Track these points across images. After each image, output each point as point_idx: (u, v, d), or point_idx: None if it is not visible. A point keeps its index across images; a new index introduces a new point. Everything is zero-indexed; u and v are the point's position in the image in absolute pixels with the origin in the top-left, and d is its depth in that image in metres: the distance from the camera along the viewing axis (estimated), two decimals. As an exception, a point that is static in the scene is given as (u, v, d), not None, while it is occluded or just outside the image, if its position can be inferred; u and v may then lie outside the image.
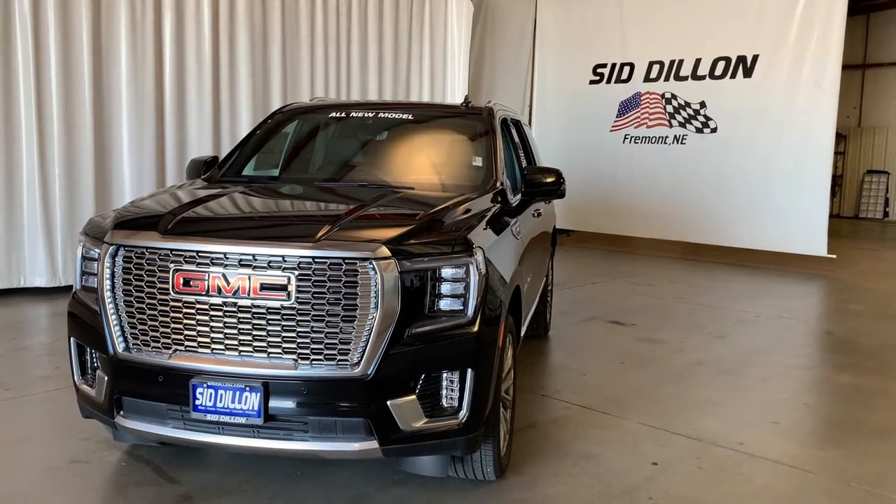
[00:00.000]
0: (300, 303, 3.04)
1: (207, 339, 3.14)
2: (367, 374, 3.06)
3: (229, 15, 8.98)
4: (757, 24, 10.76)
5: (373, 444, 3.13)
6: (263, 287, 3.05)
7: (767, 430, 4.63)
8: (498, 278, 3.52)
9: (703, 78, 11.34)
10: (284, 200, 3.93)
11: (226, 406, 3.09)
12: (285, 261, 3.05)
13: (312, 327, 3.05)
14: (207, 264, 3.10)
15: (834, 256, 10.53)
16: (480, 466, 3.57)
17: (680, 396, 5.19)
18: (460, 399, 3.25)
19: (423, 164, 4.67)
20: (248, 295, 3.06)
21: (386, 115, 4.81)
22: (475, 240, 3.32)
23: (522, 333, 4.56)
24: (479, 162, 4.44)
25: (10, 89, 7.44)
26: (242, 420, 3.09)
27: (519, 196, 4.50)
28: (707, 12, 11.28)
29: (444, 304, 3.21)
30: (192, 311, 3.13)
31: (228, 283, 3.07)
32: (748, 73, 10.87)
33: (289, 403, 3.09)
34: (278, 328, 3.07)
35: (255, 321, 3.08)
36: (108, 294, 3.25)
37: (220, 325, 3.11)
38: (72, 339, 3.56)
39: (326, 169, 4.74)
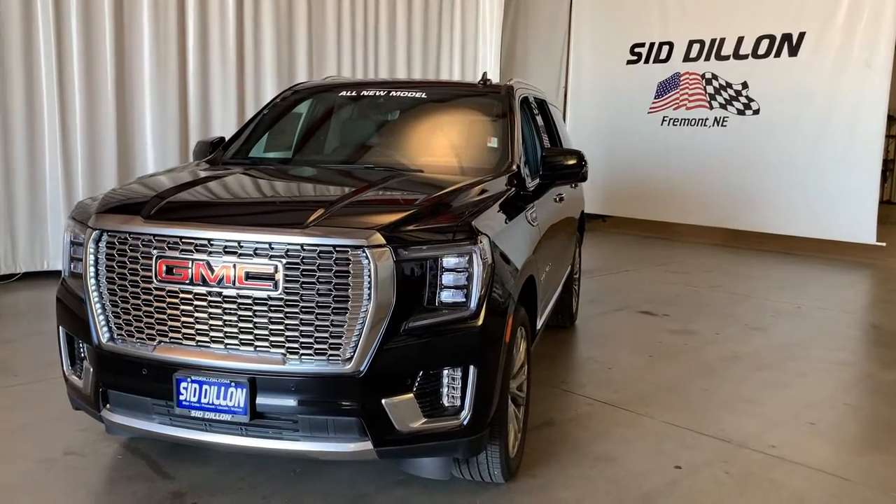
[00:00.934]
0: (288, 293, 2.83)
1: (192, 331, 2.95)
2: (360, 371, 2.84)
3: (254, -9, 8.82)
4: (803, -1, 10.26)
5: (367, 446, 2.92)
6: (249, 276, 2.85)
7: (803, 431, 4.32)
8: (507, 268, 3.27)
9: (745, 57, 10.85)
10: (281, 184, 3.72)
11: (210, 402, 2.91)
12: (272, 248, 2.84)
13: (301, 320, 2.84)
14: (191, 251, 2.90)
15: (884, 244, 10.02)
16: (487, 468, 3.34)
17: (711, 393, 4.89)
18: (462, 398, 3.02)
19: (435, 145, 4.42)
20: (234, 284, 2.86)
21: (398, 93, 4.57)
22: (480, 226, 3.08)
23: (540, 326, 4.30)
24: (494, 143, 4.18)
25: (31, 67, 7.33)
26: (228, 417, 2.90)
27: (537, 180, 4.23)
28: (751, -12, 10.80)
29: (446, 296, 2.97)
30: (176, 300, 2.95)
31: (212, 271, 2.87)
32: (794, 51, 10.36)
33: (277, 401, 2.89)
34: (265, 320, 2.87)
35: (241, 312, 2.88)
36: (91, 281, 3.09)
37: (205, 316, 2.92)
38: (60, 327, 3.41)
39: (333, 150, 4.52)
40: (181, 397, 2.93)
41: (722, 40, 11.09)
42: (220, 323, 2.91)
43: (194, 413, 2.93)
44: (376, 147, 4.45)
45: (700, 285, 8.43)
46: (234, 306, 2.88)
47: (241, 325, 2.89)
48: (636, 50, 12.14)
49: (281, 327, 2.86)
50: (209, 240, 2.88)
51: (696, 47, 11.39)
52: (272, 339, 2.87)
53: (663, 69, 11.78)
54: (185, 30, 8.33)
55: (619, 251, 10.97)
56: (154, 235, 2.96)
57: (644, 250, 11.01)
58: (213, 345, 2.93)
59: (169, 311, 2.96)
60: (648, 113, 11.97)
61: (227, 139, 4.60)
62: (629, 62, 12.24)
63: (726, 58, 11.05)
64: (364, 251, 2.80)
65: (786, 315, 7.14)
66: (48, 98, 7.44)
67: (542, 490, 3.50)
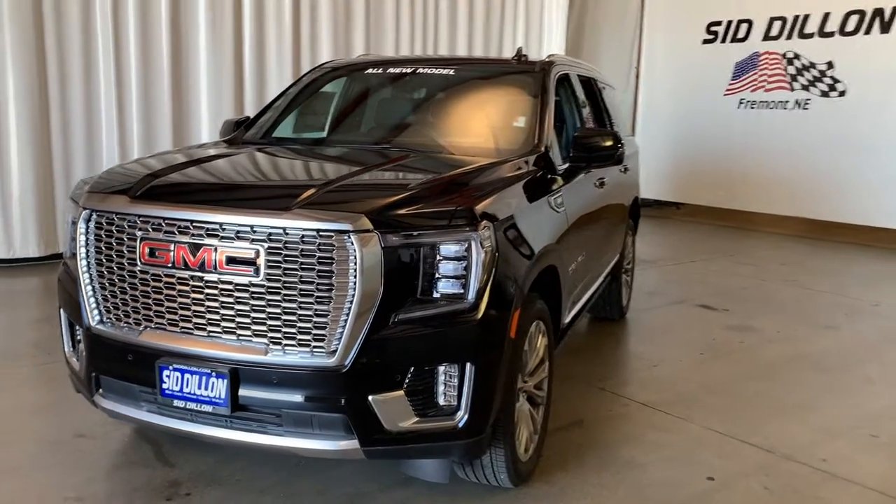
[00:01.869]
0: (270, 280, 2.65)
1: (175, 317, 2.82)
2: (345, 365, 2.64)
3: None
4: (899, -30, 9.45)
5: (353, 444, 2.72)
6: (230, 260, 2.68)
7: (862, 444, 3.90)
8: (518, 257, 3.02)
9: (831, 35, 10.09)
10: (283, 165, 3.53)
11: (192, 392, 2.77)
12: (254, 231, 2.66)
13: (284, 308, 2.66)
14: (173, 233, 2.76)
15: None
16: (493, 472, 3.11)
17: (762, 396, 4.49)
18: (458, 398, 2.78)
19: (458, 124, 4.17)
20: (215, 269, 2.70)
21: (426, 71, 4.33)
22: (484, 211, 2.83)
23: (568, 320, 4.01)
24: (521, 123, 3.90)
25: (89, 39, 7.40)
26: (209, 409, 2.76)
27: (568, 163, 3.92)
28: (839, -41, 10.03)
29: (441, 287, 2.74)
30: (160, 285, 2.81)
31: (194, 255, 2.72)
32: (886, 27, 9.56)
33: (260, 393, 2.72)
34: (247, 308, 2.70)
35: (222, 299, 2.72)
36: (83, 262, 2.99)
37: (188, 302, 2.78)
38: (61, 309, 3.35)
39: (352, 130, 4.33)
40: (164, 385, 2.81)
41: (806, 17, 10.36)
42: (202, 309, 2.76)
43: (176, 403, 2.80)
44: (398, 127, 4.23)
45: (770, 278, 7.90)
46: (216, 292, 2.73)
47: (223, 312, 2.73)
48: (712, 28, 11.49)
49: (263, 316, 2.69)
50: (191, 221, 2.73)
51: (776, 25, 10.69)
52: (254, 328, 2.71)
53: (741, 49, 11.11)
54: (241, 7, 8.28)
55: (690, 240, 10.44)
56: (139, 216, 2.83)
57: (716, 240, 10.45)
58: (196, 332, 2.79)
59: (153, 296, 2.84)
60: (724, 95, 11.33)
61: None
62: (705, 41, 11.61)
63: (810, 36, 10.32)
64: (349, 236, 2.60)
65: (861, 313, 6.58)
66: (105, 72, 7.47)
67: (554, 498, 3.24)
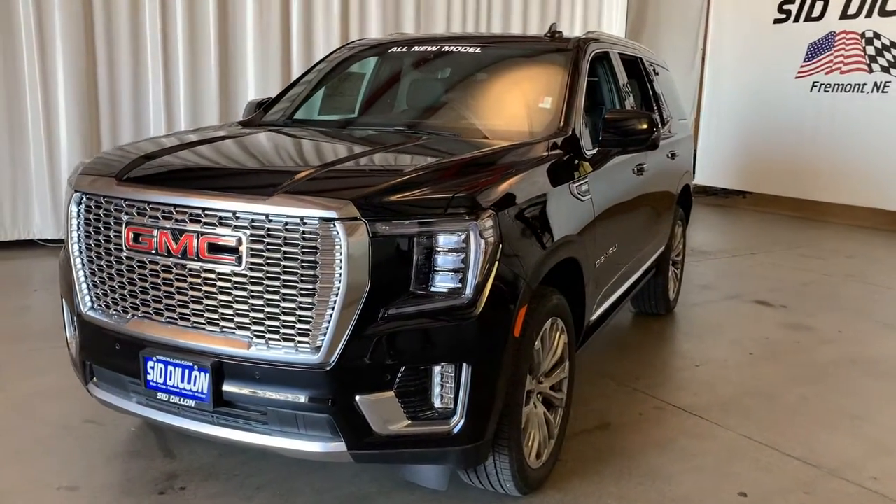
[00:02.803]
0: (253, 270, 2.49)
1: (161, 307, 2.68)
2: (330, 362, 2.46)
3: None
4: None
5: (340, 447, 2.55)
6: (212, 248, 2.53)
7: (920, 461, 3.53)
8: (528, 249, 2.79)
9: (915, 12, 9.40)
10: (284, 147, 3.34)
11: (175, 385, 2.64)
12: (236, 218, 2.50)
13: (267, 301, 2.49)
14: (157, 218, 2.62)
15: None
16: (497, 479, 2.89)
17: (810, 403, 4.14)
18: (455, 400, 2.58)
19: (479, 105, 3.92)
20: (197, 257, 2.55)
21: (451, 49, 4.09)
22: (487, 199, 2.60)
23: (595, 317, 3.74)
24: (547, 104, 3.63)
25: (136, 20, 7.40)
26: (192, 403, 2.63)
27: (598, 147, 3.64)
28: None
29: (436, 280, 2.52)
30: (145, 272, 2.68)
31: (176, 241, 2.58)
32: (976, 4, 8.85)
33: (243, 389, 2.57)
34: (230, 299, 2.55)
35: (205, 289, 2.58)
36: (74, 247, 2.89)
37: (172, 291, 2.64)
38: (62, 294, 3.27)
39: (370, 112, 4.14)
40: (148, 377, 2.69)
41: (888, -8, 9.68)
42: (186, 299, 2.62)
43: (160, 395, 2.68)
44: (416, 108, 4.02)
45: (836, 273, 7.40)
46: (199, 281, 2.58)
47: (206, 303, 2.59)
48: (785, 7, 10.85)
49: (246, 308, 2.53)
50: (174, 206, 2.59)
51: (854, 2, 10.00)
52: (238, 320, 2.55)
53: (815, 28, 10.46)
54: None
55: (753, 231, 9.93)
56: (124, 200, 2.70)
57: (782, 231, 9.90)
58: (180, 323, 2.66)
59: (139, 283, 2.71)
60: (796, 78, 10.71)
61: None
62: (776, 21, 10.98)
63: (891, 13, 9.62)
64: (334, 224, 2.41)
65: (934, 313, 6.08)
66: (152, 53, 7.48)
67: (565, 509, 3.01)
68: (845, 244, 9.01)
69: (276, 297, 2.48)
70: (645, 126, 3.57)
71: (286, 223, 2.44)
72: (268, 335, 2.52)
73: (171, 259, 2.60)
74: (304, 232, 2.43)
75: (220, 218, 2.51)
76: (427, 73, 4.23)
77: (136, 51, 7.44)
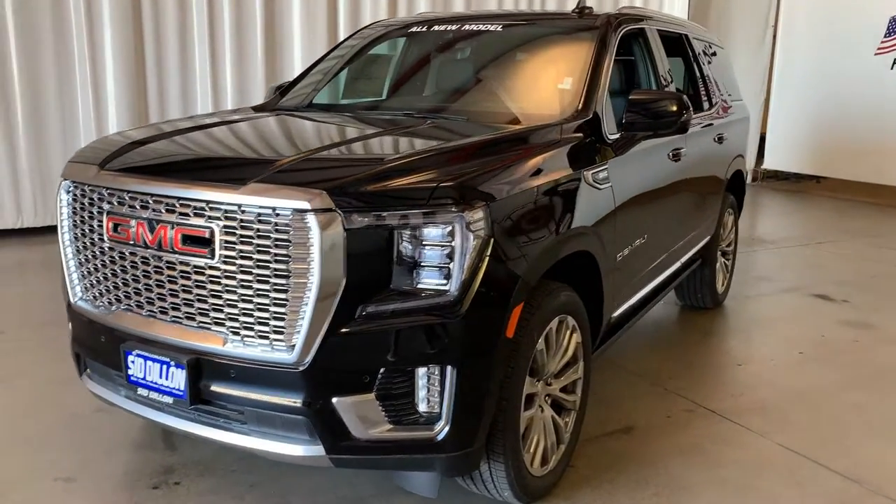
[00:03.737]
0: (226, 263, 2.36)
1: (141, 299, 2.60)
2: (305, 362, 2.32)
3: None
4: None
5: (319, 451, 2.41)
6: (186, 239, 2.42)
7: (979, 480, 3.18)
8: (528, 243, 2.58)
9: None
10: (279, 134, 3.17)
11: (154, 380, 2.55)
12: (210, 208, 2.38)
13: (241, 296, 2.37)
14: (135, 207, 2.52)
15: None
16: (494, 487, 2.71)
17: (861, 411, 3.80)
18: (440, 404, 2.40)
19: (493, 87, 3.69)
20: (172, 249, 2.45)
21: (471, 28, 3.87)
22: (477, 189, 2.41)
23: (617, 314, 3.50)
24: (567, 84, 3.39)
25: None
26: (169, 400, 2.53)
27: (621, 131, 3.38)
28: None
29: (419, 277, 2.35)
30: (125, 263, 2.60)
31: (152, 231, 2.47)
32: None
33: (220, 387, 2.46)
34: (205, 293, 2.43)
35: (182, 282, 2.47)
36: (63, 235, 2.84)
37: (151, 283, 2.54)
38: (63, 281, 3.23)
39: (381, 93, 3.96)
40: (129, 371, 2.61)
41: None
42: (164, 292, 2.52)
43: (140, 390, 2.60)
44: (427, 90, 3.82)
45: (909, 265, 6.89)
46: (176, 274, 2.47)
47: (183, 296, 2.48)
48: (864, -22, 10.18)
49: (221, 302, 2.41)
50: (151, 195, 2.49)
51: (941, -29, 9.30)
52: (213, 315, 2.44)
53: (897, 0, 9.78)
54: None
55: (824, 219, 9.36)
56: (106, 188, 2.62)
57: (855, 219, 9.31)
58: (159, 316, 2.56)
59: (121, 275, 2.63)
60: (876, 54, 10.02)
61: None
62: (855, -6, 10.31)
63: (982, -17, 8.89)
64: (307, 216, 2.26)
65: None
66: (199, 27, 7.48)
67: (570, 521, 2.81)
68: (924, 234, 8.41)
69: (250, 292, 2.35)
70: (674, 108, 3.30)
71: (259, 214, 2.31)
72: (243, 332, 2.40)
73: (148, 250, 2.50)
74: (276, 224, 2.29)
75: (195, 208, 2.40)
76: (443, 54, 4.02)
77: (182, 30, 7.45)
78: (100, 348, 2.76)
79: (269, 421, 2.45)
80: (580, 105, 3.26)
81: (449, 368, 2.36)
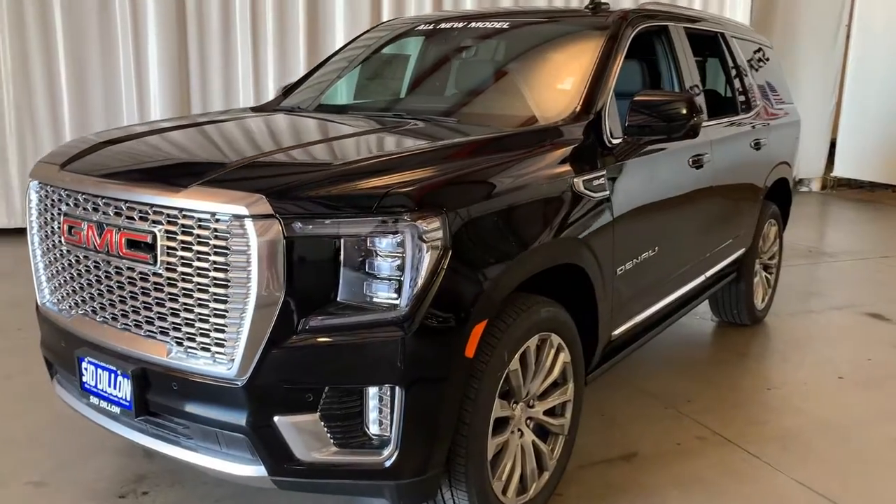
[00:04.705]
0: (168, 270, 2.25)
1: (95, 305, 2.51)
2: (244, 377, 2.18)
3: None
4: None
5: (261, 472, 2.27)
6: (131, 244, 2.31)
7: None
8: (496, 255, 2.38)
9: None
10: (246, 135, 3.00)
11: (104, 389, 2.46)
12: (153, 212, 2.27)
13: (183, 305, 2.25)
14: (87, 210, 2.44)
15: None
16: (459, 516, 2.52)
17: (897, 446, 3.45)
18: (390, 427, 2.23)
19: (489, 87, 3.48)
20: (117, 254, 2.35)
21: (477, 26, 3.68)
22: (435, 197, 2.23)
23: (619, 331, 3.25)
24: (566, 85, 3.17)
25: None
26: (117, 410, 2.44)
27: (623, 135, 3.14)
28: None
29: (367, 290, 2.18)
30: (80, 266, 2.52)
31: (100, 235, 2.38)
32: None
33: (164, 399, 2.35)
34: (150, 300, 2.32)
35: (129, 288, 2.37)
36: (31, 236, 2.78)
37: (102, 288, 2.46)
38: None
39: (375, 95, 3.81)
40: (83, 378, 2.53)
41: None
42: (114, 298, 2.43)
43: (92, 398, 2.51)
44: (421, 90, 3.65)
45: (981, 284, 6.34)
46: (123, 280, 2.38)
47: (131, 303, 2.38)
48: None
49: (165, 311, 2.30)
50: (101, 197, 2.40)
51: None
52: (159, 324, 2.33)
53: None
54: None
55: (894, 231, 8.77)
56: (63, 189, 2.55)
57: (931, 231, 8.70)
58: (111, 323, 2.47)
59: (77, 279, 2.55)
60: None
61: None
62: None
63: None
64: (245, 222, 2.12)
65: None
66: (241, 15, 7.50)
67: (543, 557, 2.59)
68: None
69: (191, 301, 2.23)
70: (683, 111, 3.04)
71: (199, 220, 2.18)
72: (186, 342, 2.28)
73: (99, 254, 2.41)
74: (216, 230, 2.16)
75: (140, 212, 2.29)
76: (441, 55, 3.83)
77: (225, 19, 7.47)
78: (60, 353, 2.70)
79: (212, 438, 2.32)
80: (579, 107, 3.03)
81: (397, 389, 2.19)
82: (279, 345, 2.16)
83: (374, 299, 2.18)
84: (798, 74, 9.99)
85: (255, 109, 3.76)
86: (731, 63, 4.49)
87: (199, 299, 2.21)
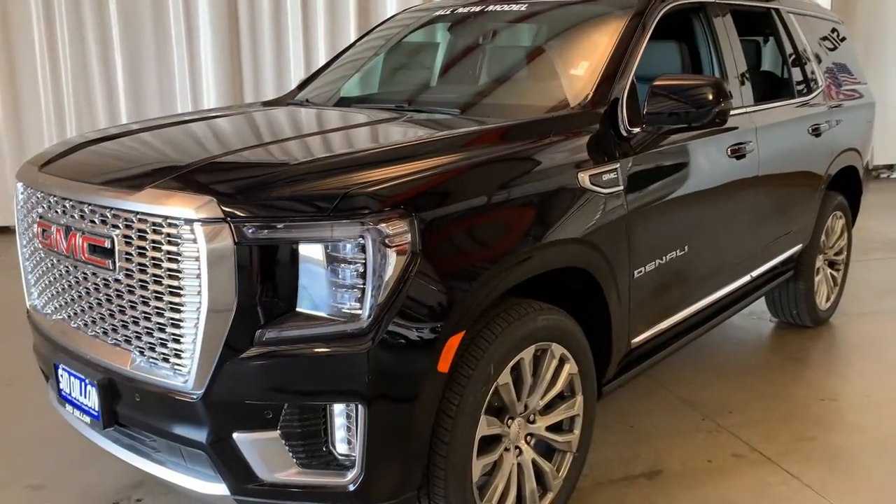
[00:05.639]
0: (126, 275, 2.14)
1: (70, 311, 2.43)
2: (199, 390, 2.05)
3: None
4: None
5: (223, 489, 2.14)
6: (92, 249, 2.21)
7: None
8: (475, 259, 2.18)
9: None
10: (226, 133, 2.84)
11: (77, 397, 2.39)
12: (112, 215, 2.16)
13: (142, 313, 2.14)
14: (57, 213, 2.36)
15: None
16: (441, 541, 2.33)
17: (964, 470, 3.05)
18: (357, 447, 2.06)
19: (498, 75, 3.24)
20: (81, 258, 2.25)
21: (493, 9, 3.44)
22: (401, 197, 2.03)
23: (640, 339, 2.97)
24: (580, 70, 2.91)
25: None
26: (88, 420, 2.36)
27: (643, 124, 2.85)
28: None
29: (328, 299, 2.01)
30: (55, 271, 2.45)
31: (66, 239, 2.30)
32: None
33: (129, 410, 2.25)
34: (113, 307, 2.22)
35: (94, 295, 2.28)
36: (20, 237, 2.74)
37: (73, 294, 2.38)
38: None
39: (387, 86, 3.60)
40: (60, 385, 2.47)
41: None
42: (83, 304, 2.34)
43: (68, 406, 2.45)
44: (430, 81, 3.44)
45: None
46: (89, 286, 2.28)
47: (97, 310, 2.29)
48: None
49: (126, 318, 2.19)
50: (68, 199, 2.31)
51: None
52: (122, 332, 2.23)
53: None
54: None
55: None
56: (40, 191, 2.48)
57: None
58: (83, 329, 2.39)
59: (53, 283, 2.48)
60: None
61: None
62: None
63: None
64: (194, 226, 1.98)
65: None
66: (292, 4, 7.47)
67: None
68: None
69: (149, 309, 2.11)
70: (710, 96, 2.74)
71: (153, 224, 2.06)
72: (147, 352, 2.17)
73: (68, 259, 2.33)
74: (168, 234, 2.03)
75: (101, 215, 2.19)
76: (450, 41, 3.61)
77: (276, 5, 7.45)
78: (45, 358, 2.64)
79: (177, 452, 2.21)
80: (591, 94, 2.77)
81: (360, 407, 2.01)
82: (234, 357, 2.01)
83: (336, 309, 2.01)
84: (886, 59, 9.38)
85: (267, 103, 3.64)
86: (787, 42, 4.11)
87: (156, 307, 2.09)
